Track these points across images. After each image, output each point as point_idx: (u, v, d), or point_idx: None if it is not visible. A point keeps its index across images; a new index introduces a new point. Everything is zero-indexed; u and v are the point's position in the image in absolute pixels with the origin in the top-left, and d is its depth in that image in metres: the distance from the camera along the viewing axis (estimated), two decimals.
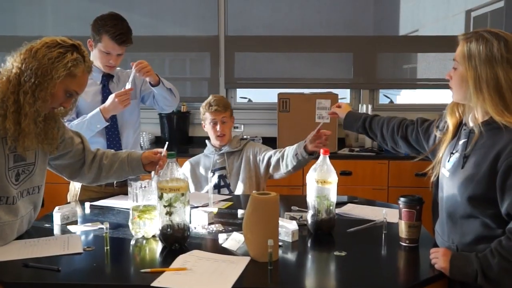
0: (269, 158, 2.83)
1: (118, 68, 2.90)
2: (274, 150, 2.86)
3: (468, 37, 1.72)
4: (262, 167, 2.85)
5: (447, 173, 1.81)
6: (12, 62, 1.88)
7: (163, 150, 2.23)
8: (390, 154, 4.02)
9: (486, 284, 1.60)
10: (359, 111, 4.30)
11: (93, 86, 2.74)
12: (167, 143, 2.29)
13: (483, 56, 1.66)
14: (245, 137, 3.09)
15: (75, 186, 2.77)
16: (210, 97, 2.96)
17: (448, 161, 1.82)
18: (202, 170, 2.93)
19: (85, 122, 2.62)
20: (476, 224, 1.69)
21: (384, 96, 4.76)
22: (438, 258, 1.71)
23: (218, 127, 2.88)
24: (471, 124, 1.75)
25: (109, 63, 2.74)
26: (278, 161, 2.77)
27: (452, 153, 1.82)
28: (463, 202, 1.70)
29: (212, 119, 2.89)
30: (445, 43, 4.47)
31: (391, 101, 4.85)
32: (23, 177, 1.96)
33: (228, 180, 2.88)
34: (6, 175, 1.88)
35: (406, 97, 5.26)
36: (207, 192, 2.61)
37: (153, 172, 2.22)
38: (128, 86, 2.72)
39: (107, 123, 2.68)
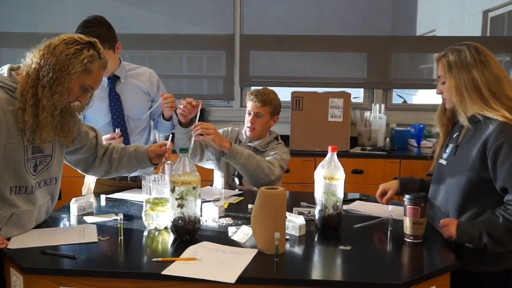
0: None
1: (128, 66, 2.88)
2: (272, 156, 2.82)
3: (443, 54, 2.04)
4: None
5: (444, 162, 2.09)
6: (32, 58, 1.96)
7: (168, 143, 2.31)
8: (401, 153, 4.07)
9: (490, 241, 1.85)
10: (372, 112, 4.35)
11: (101, 90, 2.68)
12: (170, 135, 2.37)
13: (459, 64, 1.97)
14: (278, 141, 2.98)
15: (89, 180, 2.85)
16: (261, 88, 2.95)
17: (445, 152, 2.11)
18: None
19: None
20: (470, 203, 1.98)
21: (397, 96, 4.79)
22: (447, 226, 1.92)
23: (250, 118, 2.88)
24: (461, 121, 2.02)
25: None
26: None
27: (447, 145, 2.11)
28: (460, 182, 1.97)
29: (248, 109, 2.90)
30: None
31: (404, 101, 4.88)
32: (41, 168, 2.05)
33: None
34: (25, 165, 1.97)
35: (423, 97, 5.28)
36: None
37: (166, 166, 2.29)
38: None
39: None
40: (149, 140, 2.99)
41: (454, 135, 2.08)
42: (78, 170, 2.40)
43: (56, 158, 2.12)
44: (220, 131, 2.98)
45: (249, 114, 2.89)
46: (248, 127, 2.89)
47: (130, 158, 2.36)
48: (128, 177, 2.78)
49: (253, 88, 4.72)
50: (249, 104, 2.90)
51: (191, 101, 2.64)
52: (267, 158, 2.77)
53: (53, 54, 1.92)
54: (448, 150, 2.08)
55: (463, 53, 1.97)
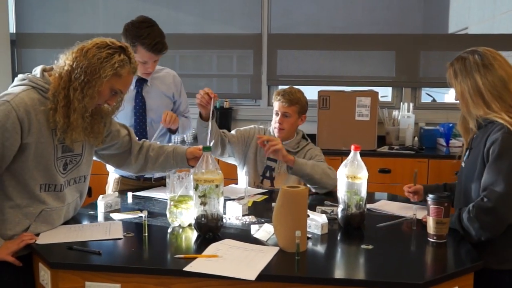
0: None
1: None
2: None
3: (451, 63, 2.11)
4: None
5: (463, 164, 2.15)
6: (65, 60, 2.00)
7: None
8: (430, 152, 4.03)
9: (460, 229, 1.98)
10: (400, 110, 4.31)
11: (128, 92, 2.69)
12: (213, 141, 2.39)
13: (463, 71, 2.03)
14: (307, 140, 2.97)
15: (113, 180, 2.89)
16: (288, 87, 2.93)
17: (465, 155, 2.16)
18: (260, 151, 2.87)
19: None
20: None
21: (426, 95, 4.73)
22: None
23: (278, 118, 2.86)
24: (471, 126, 2.08)
25: (147, 71, 2.74)
26: None
27: (467, 149, 2.15)
28: (473, 184, 2.03)
29: (275, 109, 2.89)
30: (493, 42, 4.41)
31: (434, 100, 4.81)
32: (71, 167, 2.10)
33: (274, 174, 2.88)
34: (55, 164, 2.03)
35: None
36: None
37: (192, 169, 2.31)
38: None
39: None
40: (170, 142, 3.00)
41: (469, 139, 2.15)
42: (111, 166, 2.44)
43: (86, 157, 2.17)
44: (247, 128, 2.99)
45: (277, 114, 2.88)
46: (276, 127, 2.88)
47: (168, 157, 2.40)
48: (152, 178, 2.82)
49: (280, 87, 4.74)
50: (276, 104, 2.88)
51: (208, 92, 2.63)
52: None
53: (85, 57, 1.96)
54: (466, 154, 2.14)
55: (467, 60, 2.03)
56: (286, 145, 2.87)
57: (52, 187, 2.03)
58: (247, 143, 2.93)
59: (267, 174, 2.89)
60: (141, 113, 2.81)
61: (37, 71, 2.04)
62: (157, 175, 2.83)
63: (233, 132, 2.95)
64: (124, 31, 2.66)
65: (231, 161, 2.96)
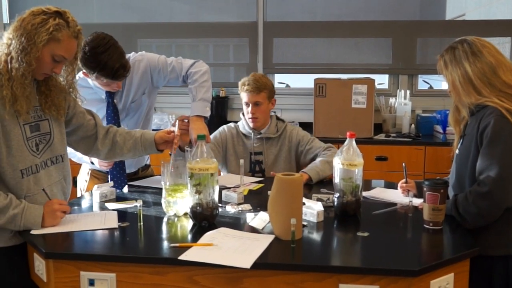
0: (316, 155, 2.79)
1: None
2: (322, 147, 2.78)
3: (441, 54, 2.10)
4: (305, 158, 2.81)
5: (458, 151, 2.13)
6: (6, 35, 1.98)
7: (175, 129, 2.29)
8: (427, 139, 4.02)
9: (457, 215, 1.98)
10: (397, 98, 4.29)
11: (100, 103, 2.61)
12: (177, 121, 2.35)
13: (453, 60, 2.03)
14: (281, 118, 2.99)
15: (85, 172, 2.83)
16: (250, 75, 2.88)
17: (458, 142, 2.15)
18: (238, 149, 2.90)
19: None
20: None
21: (423, 82, 4.71)
22: None
23: (249, 109, 2.82)
24: (464, 114, 2.09)
25: (114, 89, 2.56)
26: None
27: (460, 136, 2.15)
28: (467, 170, 2.02)
29: (244, 100, 2.85)
30: (490, 28, 4.39)
31: (431, 87, 4.80)
32: (42, 146, 2.06)
33: (263, 166, 2.88)
34: (26, 145, 1.99)
35: None
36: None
37: (172, 154, 2.23)
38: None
39: None
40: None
41: (463, 126, 2.15)
42: (79, 152, 2.41)
43: (56, 136, 2.12)
44: (217, 133, 2.94)
45: (247, 105, 2.82)
46: (250, 118, 2.83)
47: (136, 143, 2.35)
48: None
49: (276, 75, 4.72)
50: (245, 95, 2.83)
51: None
52: (322, 154, 2.74)
53: (21, 26, 1.94)
54: (461, 141, 2.13)
55: (457, 50, 2.03)
56: (266, 132, 2.86)
57: (29, 170, 1.99)
58: (223, 148, 2.91)
59: (257, 169, 2.87)
60: (114, 123, 2.59)
61: None
62: (132, 169, 2.79)
63: None
64: (80, 59, 2.35)
65: None
